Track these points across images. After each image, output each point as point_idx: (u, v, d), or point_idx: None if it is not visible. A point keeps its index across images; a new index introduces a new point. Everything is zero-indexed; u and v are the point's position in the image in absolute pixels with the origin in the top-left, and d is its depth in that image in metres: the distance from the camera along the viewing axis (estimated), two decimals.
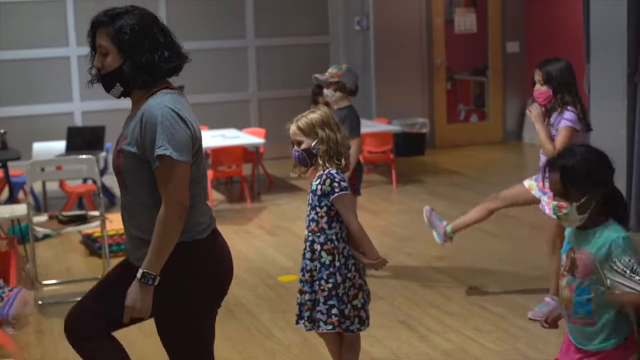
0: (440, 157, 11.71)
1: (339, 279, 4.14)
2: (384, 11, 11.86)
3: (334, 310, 4.13)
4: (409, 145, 11.70)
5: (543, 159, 5.28)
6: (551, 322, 3.54)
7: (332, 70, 6.47)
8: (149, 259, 3.12)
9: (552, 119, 5.26)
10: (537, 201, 5.48)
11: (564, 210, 3.21)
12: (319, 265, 4.16)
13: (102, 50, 3.20)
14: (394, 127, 10.77)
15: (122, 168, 3.21)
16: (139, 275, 3.12)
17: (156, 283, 3.12)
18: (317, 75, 6.51)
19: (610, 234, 3.18)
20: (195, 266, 3.23)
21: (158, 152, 3.06)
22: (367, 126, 10.15)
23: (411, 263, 6.70)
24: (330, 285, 4.13)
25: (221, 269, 3.34)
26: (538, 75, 5.29)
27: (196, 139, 3.17)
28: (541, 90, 5.26)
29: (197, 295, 3.25)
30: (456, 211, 8.46)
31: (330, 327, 4.14)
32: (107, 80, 3.24)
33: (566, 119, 5.17)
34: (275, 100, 12.08)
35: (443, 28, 12.40)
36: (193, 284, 3.23)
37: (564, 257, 3.36)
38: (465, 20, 12.52)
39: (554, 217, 3.36)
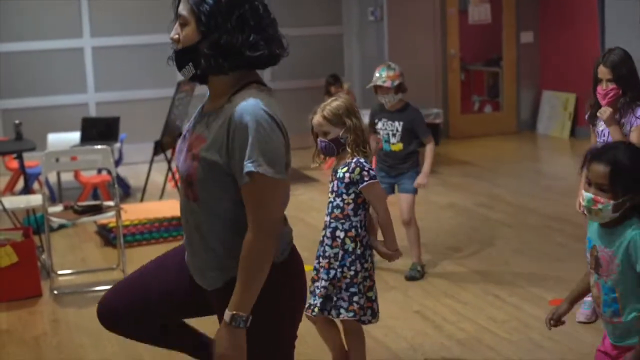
0: (454, 148, 11.69)
1: (358, 267, 4.15)
2: (397, 1, 11.83)
3: (356, 298, 4.12)
4: None
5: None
6: (556, 319, 3.48)
7: (386, 72, 5.96)
8: (237, 297, 2.66)
9: (624, 120, 4.85)
10: None
11: (600, 206, 3.08)
12: (342, 252, 4.15)
13: (181, 20, 2.73)
14: None
15: (196, 177, 2.72)
16: (227, 318, 2.67)
17: (248, 325, 2.68)
18: (379, 84, 5.96)
19: (630, 231, 3.08)
20: (282, 290, 2.83)
21: (249, 167, 2.59)
22: None
23: (425, 253, 6.69)
24: (352, 273, 4.13)
25: (303, 290, 2.98)
26: (606, 73, 4.83)
27: (288, 148, 2.73)
28: (609, 89, 4.83)
29: (287, 324, 2.90)
30: (469, 201, 8.49)
31: (351, 314, 4.13)
32: (180, 57, 2.75)
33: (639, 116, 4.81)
34: (288, 91, 12.07)
35: (457, 18, 12.37)
36: (282, 309, 2.86)
37: (587, 255, 3.26)
38: (479, 11, 12.48)
39: (584, 208, 3.20)
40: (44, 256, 6.69)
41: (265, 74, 12.08)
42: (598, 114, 4.91)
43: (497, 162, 10.60)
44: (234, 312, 2.66)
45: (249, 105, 2.64)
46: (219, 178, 2.69)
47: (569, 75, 11.85)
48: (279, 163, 2.64)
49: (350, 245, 4.16)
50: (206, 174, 2.69)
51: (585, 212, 3.18)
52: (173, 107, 8.73)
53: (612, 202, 3.07)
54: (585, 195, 3.13)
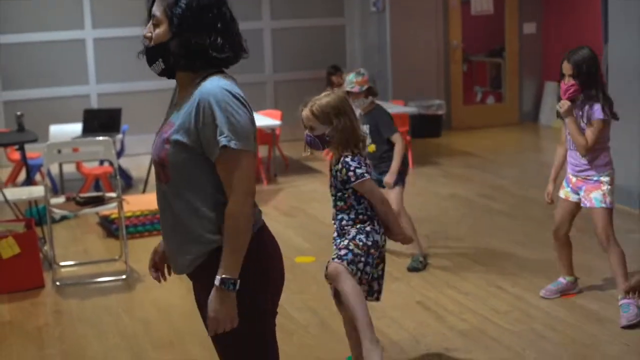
0: (457, 139, 11.69)
1: (377, 237, 4.14)
2: None
3: (350, 256, 4.09)
4: (425, 126, 11.68)
5: (571, 159, 5.20)
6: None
7: (355, 78, 6.09)
8: (225, 262, 2.81)
9: (581, 113, 5.09)
10: (579, 205, 5.28)
11: None
12: (355, 232, 4.15)
13: (154, 21, 2.96)
14: (410, 109, 10.71)
15: (167, 160, 2.90)
16: (217, 282, 2.80)
17: (237, 288, 2.82)
18: (349, 90, 6.02)
19: None
20: (251, 265, 2.89)
21: (223, 142, 2.80)
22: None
23: (427, 244, 6.69)
24: (370, 243, 4.12)
25: (272, 266, 3.04)
26: (569, 69, 5.06)
27: (254, 121, 2.92)
28: (569, 84, 5.06)
29: (253, 295, 2.92)
30: (471, 192, 8.48)
31: (339, 260, 4.10)
32: (151, 53, 3.01)
33: (596, 112, 5.03)
34: (291, 82, 12.07)
35: (459, 9, 12.36)
36: (247, 284, 2.87)
37: None
38: (481, 2, 12.45)
39: None
40: (46, 247, 6.69)
41: (267, 66, 12.10)
42: (557, 106, 5.13)
43: (499, 153, 10.59)
44: (223, 275, 2.80)
45: (213, 87, 2.87)
46: (190, 158, 2.88)
47: None
48: (246, 136, 2.84)
49: (361, 225, 4.15)
50: (177, 156, 2.89)
51: None
52: (174, 98, 8.72)
53: None
54: None
